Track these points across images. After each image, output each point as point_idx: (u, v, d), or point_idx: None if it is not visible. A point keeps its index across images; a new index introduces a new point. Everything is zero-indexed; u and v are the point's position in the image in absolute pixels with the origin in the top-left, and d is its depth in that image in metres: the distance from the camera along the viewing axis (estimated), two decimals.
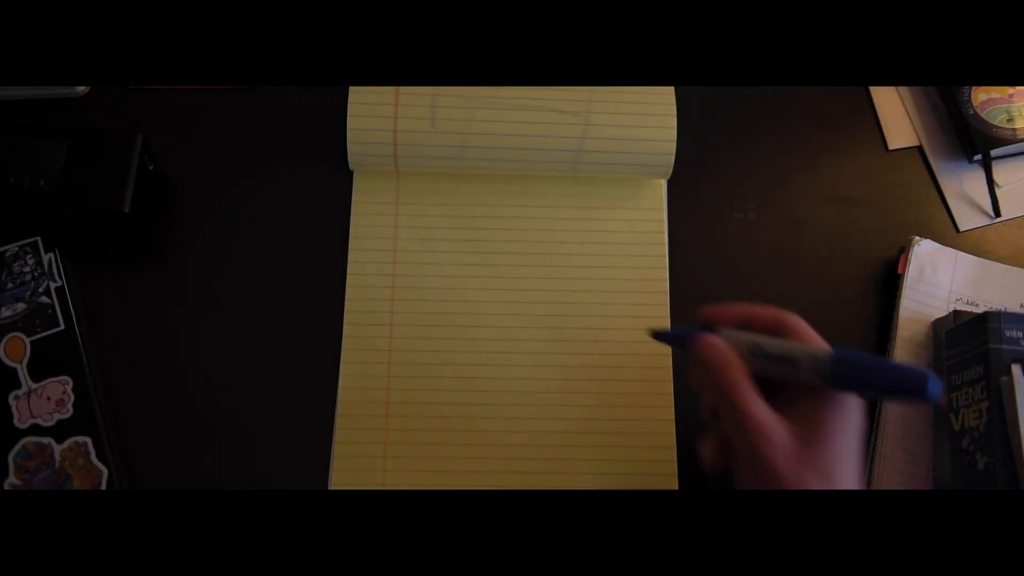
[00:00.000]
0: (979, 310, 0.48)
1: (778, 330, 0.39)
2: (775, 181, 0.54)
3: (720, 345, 0.40)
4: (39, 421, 0.46)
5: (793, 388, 0.39)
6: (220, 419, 0.47)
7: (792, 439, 0.37)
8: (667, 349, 0.49)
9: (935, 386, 0.34)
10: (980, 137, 0.52)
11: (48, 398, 0.46)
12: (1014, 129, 0.52)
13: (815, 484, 0.36)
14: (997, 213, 0.53)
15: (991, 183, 0.53)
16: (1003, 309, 0.49)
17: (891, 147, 0.55)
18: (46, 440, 0.45)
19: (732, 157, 0.54)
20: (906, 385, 0.35)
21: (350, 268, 0.50)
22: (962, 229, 0.53)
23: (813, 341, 0.39)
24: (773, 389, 0.39)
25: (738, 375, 0.38)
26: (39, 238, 0.49)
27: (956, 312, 0.47)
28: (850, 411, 0.37)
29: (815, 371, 0.37)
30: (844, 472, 0.36)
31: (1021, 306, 0.50)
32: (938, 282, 0.50)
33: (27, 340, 0.47)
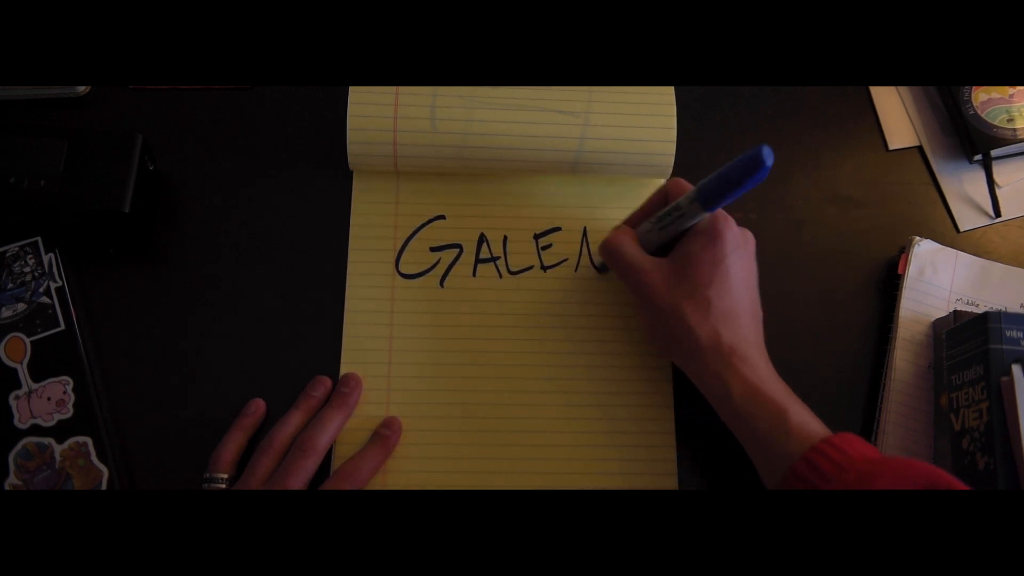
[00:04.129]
0: (979, 310, 0.48)
1: (669, 199, 0.45)
2: (775, 181, 0.54)
3: (614, 230, 0.47)
4: (39, 421, 0.46)
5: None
6: (220, 419, 0.47)
7: (666, 272, 0.43)
8: None
9: (767, 152, 0.38)
10: (980, 137, 0.52)
11: (48, 398, 0.46)
12: (1014, 129, 0.52)
13: (691, 307, 0.42)
14: (997, 213, 0.53)
15: (991, 183, 0.53)
16: (1003, 309, 0.49)
17: (891, 147, 0.55)
18: (46, 440, 0.45)
19: (732, 157, 0.54)
20: (749, 165, 0.38)
21: (350, 268, 0.50)
22: (962, 229, 0.53)
23: None
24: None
25: (620, 238, 0.45)
26: (39, 238, 0.49)
27: (956, 312, 0.48)
28: (716, 240, 0.42)
29: (692, 203, 0.41)
30: (719, 294, 0.42)
31: (1021, 306, 0.50)
32: (938, 282, 0.50)
33: (27, 340, 0.47)
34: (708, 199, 0.41)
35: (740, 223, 0.52)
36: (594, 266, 0.51)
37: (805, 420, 0.40)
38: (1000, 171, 0.54)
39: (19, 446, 0.45)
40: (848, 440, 0.39)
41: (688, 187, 0.44)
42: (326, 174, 0.52)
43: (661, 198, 0.46)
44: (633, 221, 0.47)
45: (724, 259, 0.42)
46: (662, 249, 0.45)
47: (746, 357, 0.41)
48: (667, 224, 0.44)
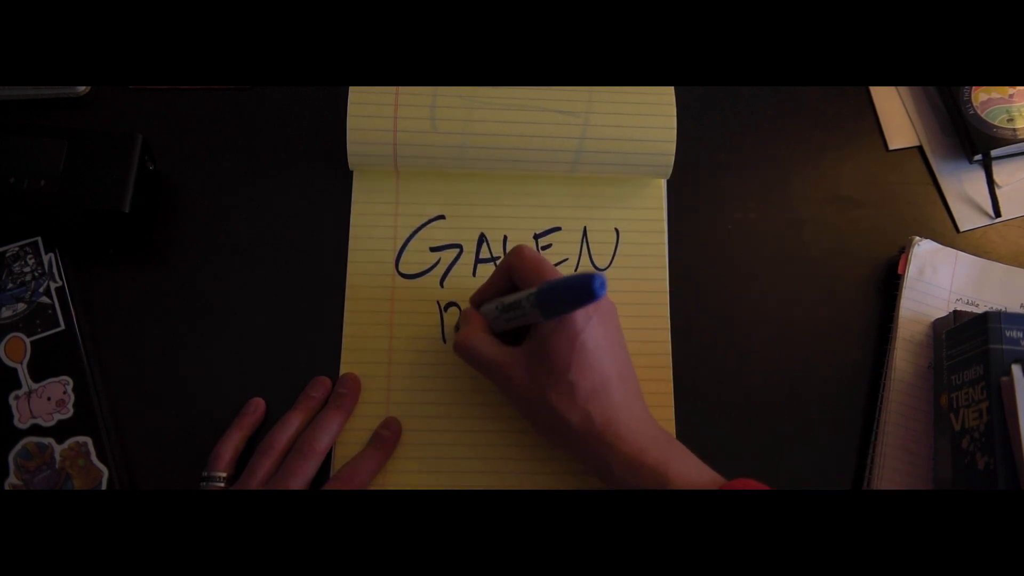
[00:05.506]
0: (979, 310, 0.48)
1: (515, 276, 0.43)
2: (775, 181, 0.54)
3: (463, 311, 0.46)
4: (39, 421, 0.46)
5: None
6: (220, 419, 0.47)
7: (524, 364, 0.42)
8: (667, 349, 0.49)
9: (599, 281, 0.36)
10: (980, 137, 0.52)
11: (48, 398, 0.46)
12: (1014, 129, 0.52)
13: (555, 394, 0.41)
14: (997, 213, 0.53)
15: (991, 183, 0.53)
16: (1003, 309, 0.49)
17: (891, 147, 0.55)
18: (46, 440, 0.45)
19: (732, 157, 0.54)
20: (581, 289, 0.37)
21: (350, 268, 0.50)
22: (962, 229, 0.53)
23: (540, 270, 0.42)
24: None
25: (471, 337, 0.44)
26: (39, 238, 0.49)
27: (956, 312, 0.48)
28: (566, 321, 0.40)
29: (532, 306, 0.40)
30: (581, 374, 0.40)
31: (1021, 306, 0.50)
32: (938, 282, 0.50)
33: (27, 340, 0.47)
34: (549, 312, 0.40)
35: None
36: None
37: (689, 478, 0.39)
38: (1000, 171, 0.54)
39: (19, 446, 0.45)
40: (739, 487, 0.38)
41: (528, 258, 0.43)
42: (326, 174, 0.52)
43: (505, 271, 0.44)
44: (477, 299, 0.46)
45: (578, 336, 0.40)
46: (516, 331, 0.44)
47: (619, 431, 0.40)
48: (512, 317, 0.42)
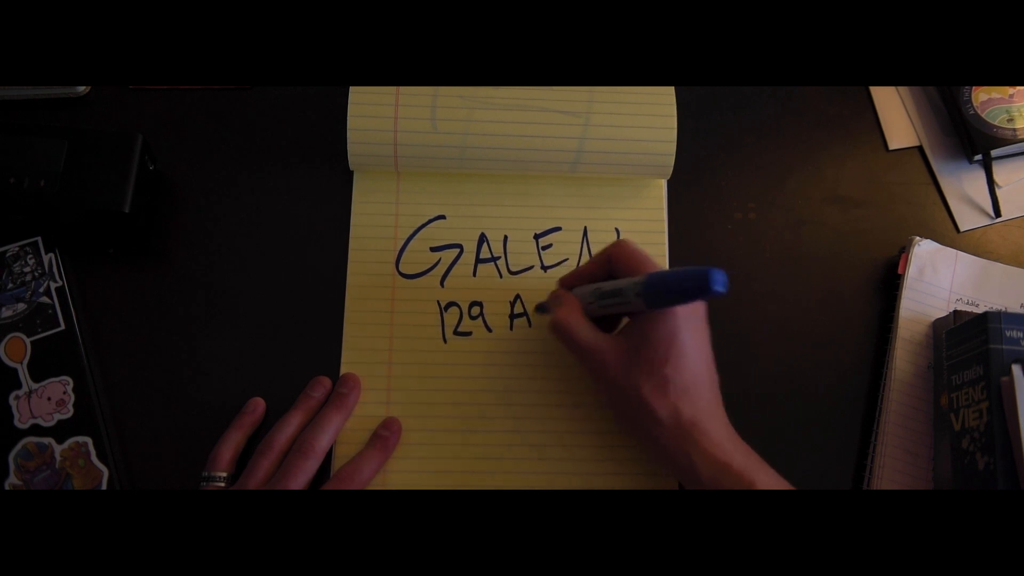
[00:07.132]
0: (979, 310, 0.48)
1: (616, 266, 0.43)
2: (775, 181, 0.54)
3: (557, 293, 0.46)
4: (40, 421, 0.46)
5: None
6: (221, 419, 0.47)
7: (621, 352, 0.42)
8: None
9: (718, 277, 0.36)
10: (980, 137, 0.52)
11: (48, 398, 0.46)
12: (1014, 129, 0.52)
13: (649, 386, 0.41)
14: (997, 213, 0.53)
15: (991, 183, 0.53)
16: (1003, 309, 0.49)
17: (891, 147, 0.55)
18: (46, 440, 0.45)
19: (732, 157, 0.54)
20: (697, 283, 0.37)
21: (350, 268, 0.50)
22: (962, 229, 0.53)
23: (643, 264, 0.42)
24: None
25: (569, 319, 0.43)
26: (39, 238, 0.49)
27: (956, 312, 0.48)
28: (667, 315, 0.41)
29: (635, 295, 0.40)
30: (676, 369, 0.40)
31: (1021, 306, 0.50)
32: (938, 282, 0.50)
33: (27, 340, 0.47)
34: (654, 302, 0.40)
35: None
36: (536, 308, 0.49)
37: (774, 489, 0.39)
38: (1000, 171, 0.54)
39: (19, 446, 0.45)
40: None
41: (632, 250, 0.43)
42: (326, 174, 0.52)
43: (604, 260, 0.44)
44: (571, 281, 0.46)
45: (678, 332, 0.41)
46: (605, 318, 0.44)
47: (708, 431, 0.40)
48: (608, 305, 0.42)
